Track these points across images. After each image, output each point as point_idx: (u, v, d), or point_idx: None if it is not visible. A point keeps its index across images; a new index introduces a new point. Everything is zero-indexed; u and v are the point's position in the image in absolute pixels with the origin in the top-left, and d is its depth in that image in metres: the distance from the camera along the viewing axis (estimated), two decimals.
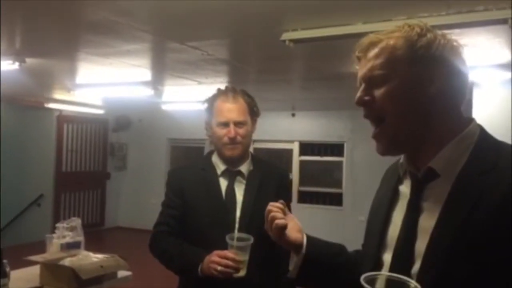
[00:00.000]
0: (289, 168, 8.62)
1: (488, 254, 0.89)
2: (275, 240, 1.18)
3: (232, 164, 1.86)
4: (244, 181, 1.86)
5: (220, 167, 1.87)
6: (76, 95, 7.58)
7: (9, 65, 4.25)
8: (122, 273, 3.22)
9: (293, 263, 1.18)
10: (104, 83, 6.10)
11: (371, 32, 1.09)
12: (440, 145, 1.02)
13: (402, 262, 1.00)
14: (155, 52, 4.55)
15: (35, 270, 3.00)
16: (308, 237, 1.21)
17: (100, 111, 8.67)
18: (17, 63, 4.18)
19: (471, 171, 0.97)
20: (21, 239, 6.92)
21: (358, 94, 1.07)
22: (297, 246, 1.18)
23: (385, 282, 0.93)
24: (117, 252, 3.20)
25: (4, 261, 2.53)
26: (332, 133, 8.41)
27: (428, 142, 1.03)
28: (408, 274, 0.95)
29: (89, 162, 9.36)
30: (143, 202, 9.47)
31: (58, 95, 7.72)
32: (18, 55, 4.18)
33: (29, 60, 4.49)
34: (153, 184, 9.44)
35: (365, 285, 0.90)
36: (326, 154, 8.65)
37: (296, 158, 8.88)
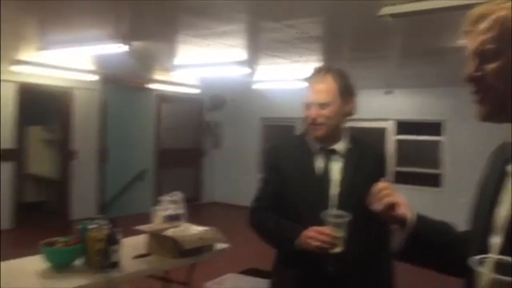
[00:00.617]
0: (383, 147, 8.40)
1: None
2: (381, 216, 1.19)
3: (325, 143, 1.87)
4: (340, 159, 1.86)
5: (315, 145, 1.89)
6: (174, 76, 7.93)
7: (117, 48, 4.54)
8: (219, 246, 3.38)
9: (398, 238, 1.19)
10: (201, 63, 6.31)
11: (478, 4, 1.04)
12: None
13: None
14: (250, 32, 4.63)
15: (142, 239, 3.24)
16: (417, 214, 1.20)
17: (196, 91, 9.00)
18: (125, 46, 4.45)
19: None
20: (126, 211, 7.43)
21: (468, 70, 1.03)
22: (404, 222, 1.18)
23: (495, 265, 0.90)
24: (214, 226, 3.36)
25: (118, 229, 2.75)
26: (429, 111, 8.06)
27: None
28: None
29: (186, 140, 9.80)
30: (237, 178, 9.76)
31: (158, 76, 8.12)
32: (125, 39, 4.45)
33: (133, 44, 4.77)
34: (246, 162, 9.70)
35: (476, 267, 0.88)
36: (422, 133, 8.32)
37: (391, 137, 8.65)
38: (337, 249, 1.69)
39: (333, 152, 1.87)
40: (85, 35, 4.59)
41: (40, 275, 2.56)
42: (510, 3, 0.98)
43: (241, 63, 6.09)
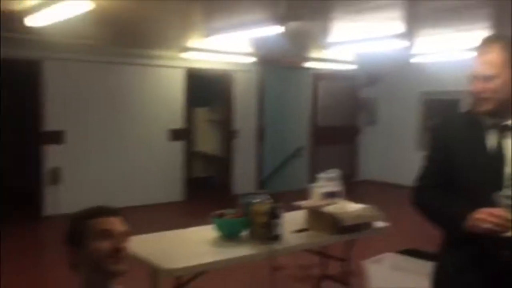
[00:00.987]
0: None
1: None
2: None
3: (497, 118, 1.72)
4: None
5: (487, 121, 1.75)
6: (329, 53, 7.91)
7: (274, 30, 4.68)
8: (377, 224, 3.35)
9: None
10: (356, 39, 6.18)
11: None
12: None
13: None
14: (408, 2, 4.40)
15: (300, 214, 3.36)
16: None
17: (352, 67, 8.87)
18: (281, 27, 4.57)
19: None
20: (282, 187, 7.71)
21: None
22: None
23: None
24: (369, 205, 3.33)
25: (279, 204, 2.89)
26: None
27: None
28: None
29: (342, 117, 9.76)
30: (394, 156, 9.46)
31: (313, 55, 8.18)
32: (281, 21, 4.57)
33: (289, 24, 4.87)
34: (404, 139, 9.32)
35: None
36: None
37: None
38: (510, 233, 1.57)
39: (507, 128, 1.72)
40: (244, 19, 4.81)
41: (211, 243, 2.82)
42: None
43: (399, 36, 5.82)
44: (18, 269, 4.75)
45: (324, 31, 5.91)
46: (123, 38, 6.65)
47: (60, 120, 6.62)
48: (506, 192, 1.60)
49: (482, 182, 1.68)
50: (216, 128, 9.32)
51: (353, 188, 9.29)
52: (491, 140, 1.72)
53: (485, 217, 1.56)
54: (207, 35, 6.12)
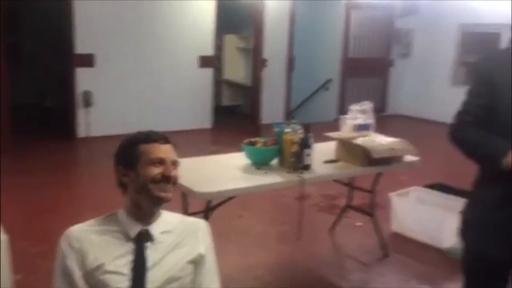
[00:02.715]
0: None
1: None
2: None
3: None
4: None
5: None
6: None
7: None
8: (409, 158, 3.32)
9: None
10: None
11: None
12: None
13: None
14: None
15: (331, 146, 3.35)
16: None
17: None
18: None
19: None
20: (311, 119, 7.67)
21: None
22: None
23: None
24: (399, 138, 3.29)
25: (310, 134, 2.88)
26: None
27: None
28: None
29: (374, 49, 9.47)
30: (427, 91, 9.23)
31: None
32: None
33: None
34: (439, 74, 9.04)
35: None
36: None
37: None
38: None
39: None
40: None
41: (241, 170, 2.86)
42: None
43: None
44: (53, 183, 4.96)
45: None
46: None
47: (91, 44, 6.60)
48: None
49: None
50: (246, 56, 9.19)
51: (383, 121, 9.16)
52: None
53: None
54: None
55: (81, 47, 6.55)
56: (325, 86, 9.20)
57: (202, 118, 7.78)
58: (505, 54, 1.78)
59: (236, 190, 2.62)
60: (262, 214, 4.52)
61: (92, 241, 1.50)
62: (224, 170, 2.86)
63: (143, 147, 1.55)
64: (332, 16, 9.02)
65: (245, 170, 2.87)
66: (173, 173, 1.55)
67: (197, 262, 1.58)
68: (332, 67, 9.11)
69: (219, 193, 2.54)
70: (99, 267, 1.46)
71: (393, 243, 3.79)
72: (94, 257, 1.47)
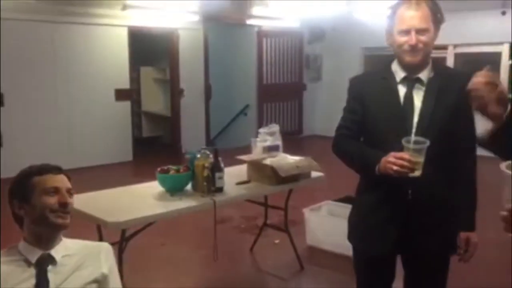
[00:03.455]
0: (497, 73, 7.87)
1: None
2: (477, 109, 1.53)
3: (411, 71, 1.90)
4: (423, 88, 1.90)
5: (400, 74, 1.93)
6: (273, 10, 7.98)
7: None
8: (315, 174, 3.57)
9: (489, 130, 1.50)
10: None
11: None
12: None
13: None
14: None
15: (243, 168, 3.54)
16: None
17: (296, 24, 8.97)
18: None
19: None
20: (231, 144, 7.86)
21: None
22: (497, 117, 1.49)
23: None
24: (314, 158, 3.53)
25: (219, 158, 3.04)
26: None
27: None
28: None
29: (287, 74, 9.93)
30: (338, 111, 9.64)
31: (257, 12, 8.21)
32: None
33: None
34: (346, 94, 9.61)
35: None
36: None
37: (505, 63, 8.05)
38: (416, 173, 1.78)
39: (418, 80, 1.91)
40: None
41: (156, 198, 2.96)
42: None
43: None
44: None
45: None
46: None
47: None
48: (413, 138, 1.80)
49: (394, 130, 1.87)
50: (163, 87, 9.28)
51: (300, 143, 9.64)
52: (402, 91, 1.92)
53: (394, 160, 1.77)
54: None
55: None
56: (243, 111, 9.48)
57: (123, 151, 7.73)
58: (375, 74, 2.06)
59: (148, 217, 2.71)
60: (184, 240, 4.59)
61: None
62: (139, 199, 2.94)
63: (37, 179, 1.63)
64: (245, 44, 9.38)
65: (160, 197, 2.97)
66: (68, 200, 1.64)
67: (100, 282, 1.67)
68: (248, 93, 9.42)
69: (130, 221, 2.61)
70: None
71: (308, 255, 4.01)
72: None
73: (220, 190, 3.05)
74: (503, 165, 1.26)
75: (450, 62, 8.42)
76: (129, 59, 7.67)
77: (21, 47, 6.56)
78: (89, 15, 7.01)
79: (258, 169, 3.39)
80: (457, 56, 8.56)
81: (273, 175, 3.30)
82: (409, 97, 1.90)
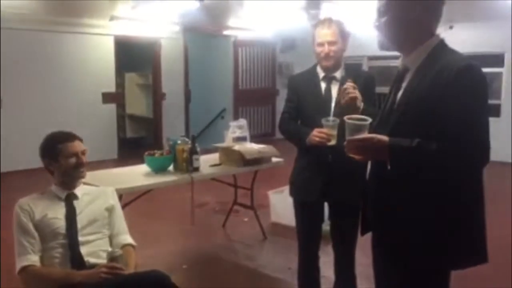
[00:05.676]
0: (372, 73, 8.74)
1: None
2: (347, 106, 2.27)
3: (328, 72, 2.68)
4: (338, 83, 2.68)
5: (321, 74, 2.71)
6: (248, 22, 8.79)
7: (191, 4, 5.49)
8: (275, 159, 4.34)
9: None
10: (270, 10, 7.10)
11: None
12: None
13: None
14: None
15: (217, 155, 4.29)
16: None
17: (268, 35, 9.78)
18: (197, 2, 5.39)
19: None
20: (209, 144, 8.47)
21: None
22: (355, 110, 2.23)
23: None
24: (284, 155, 4.26)
25: (196, 144, 3.79)
26: (490, 44, 8.25)
27: None
28: None
29: (261, 81, 10.74)
30: None
31: (232, 23, 9.01)
32: None
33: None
34: None
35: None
36: (484, 66, 8.53)
37: None
38: (332, 142, 2.55)
39: (334, 78, 2.70)
40: None
41: (145, 175, 3.68)
42: None
43: (302, 8, 6.82)
44: None
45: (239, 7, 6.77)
46: (55, 8, 7.17)
47: None
48: (330, 118, 2.57)
49: (318, 113, 2.64)
50: (146, 92, 9.99)
51: (271, 144, 10.35)
52: (323, 86, 2.71)
53: (316, 134, 2.54)
54: (134, 6, 6.78)
55: None
56: (220, 115, 10.23)
57: (109, 150, 8.39)
58: (305, 74, 2.84)
59: (142, 186, 3.44)
60: (164, 218, 5.29)
61: (36, 203, 2.30)
62: (131, 176, 3.66)
63: (60, 146, 2.35)
64: (222, 52, 10.15)
65: (148, 175, 3.70)
66: (84, 160, 2.39)
67: (110, 210, 2.44)
68: (225, 98, 10.19)
69: (128, 188, 3.32)
70: (44, 216, 2.26)
71: (271, 229, 4.78)
72: (39, 211, 2.26)
73: (196, 169, 3.78)
74: (346, 118, 1.91)
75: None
76: (115, 65, 8.39)
77: (18, 54, 7.22)
78: (80, 25, 7.73)
79: (228, 154, 4.15)
80: None
81: (240, 158, 4.06)
82: (328, 89, 2.69)
